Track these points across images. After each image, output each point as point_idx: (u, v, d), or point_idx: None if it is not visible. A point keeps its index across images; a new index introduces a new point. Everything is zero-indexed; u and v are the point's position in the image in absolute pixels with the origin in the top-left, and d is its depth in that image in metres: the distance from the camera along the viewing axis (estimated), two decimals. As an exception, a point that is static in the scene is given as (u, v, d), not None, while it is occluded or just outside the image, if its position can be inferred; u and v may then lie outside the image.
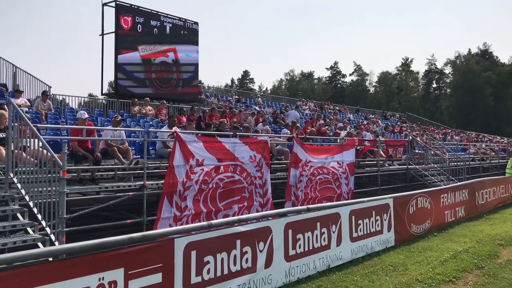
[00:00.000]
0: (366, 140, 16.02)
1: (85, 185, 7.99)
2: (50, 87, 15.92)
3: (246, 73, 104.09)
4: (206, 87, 34.71)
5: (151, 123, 14.28)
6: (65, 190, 5.86)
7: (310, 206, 6.03)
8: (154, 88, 20.27)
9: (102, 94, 19.19)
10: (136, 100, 16.36)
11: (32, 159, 6.18)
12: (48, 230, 5.90)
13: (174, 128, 9.79)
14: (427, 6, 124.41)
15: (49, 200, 5.83)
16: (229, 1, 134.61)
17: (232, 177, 10.16)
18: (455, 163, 18.15)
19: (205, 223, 5.56)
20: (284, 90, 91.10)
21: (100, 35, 19.51)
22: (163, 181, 8.77)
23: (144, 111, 15.84)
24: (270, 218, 6.49)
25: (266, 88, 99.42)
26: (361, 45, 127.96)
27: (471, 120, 72.21)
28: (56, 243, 5.79)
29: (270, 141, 11.83)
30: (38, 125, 7.93)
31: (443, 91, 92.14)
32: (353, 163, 14.25)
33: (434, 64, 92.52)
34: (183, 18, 21.90)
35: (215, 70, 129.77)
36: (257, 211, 10.69)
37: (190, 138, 9.32)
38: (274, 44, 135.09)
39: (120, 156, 8.60)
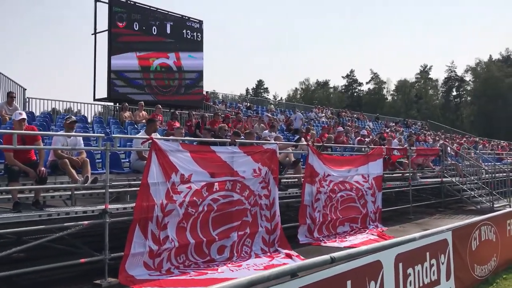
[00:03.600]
0: (394, 148, 13.62)
1: (21, 211, 5.79)
2: (25, 89, 13.91)
3: (260, 83, 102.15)
4: (218, 95, 32.59)
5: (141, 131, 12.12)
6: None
7: (335, 255, 3.71)
8: (153, 92, 18.22)
9: (94, 99, 17.13)
10: (127, 104, 14.23)
11: None
12: None
13: (153, 135, 7.56)
14: (445, 13, 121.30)
15: None
16: (243, 10, 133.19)
17: (230, 197, 7.90)
18: (492, 175, 15.54)
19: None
20: (299, 100, 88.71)
21: (92, 34, 17.55)
22: (133, 205, 6.54)
23: (136, 117, 13.73)
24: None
25: (281, 97, 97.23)
26: (378, 53, 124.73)
27: (494, 129, 68.79)
28: None
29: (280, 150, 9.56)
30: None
31: (463, 99, 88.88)
32: (381, 177, 11.89)
33: (454, 71, 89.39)
34: (186, 16, 19.88)
35: (229, 79, 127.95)
36: (263, 240, 8.43)
37: (172, 146, 7.09)
38: (288, 53, 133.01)
39: (73, 171, 6.40)
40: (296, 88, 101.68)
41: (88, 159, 6.79)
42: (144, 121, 13.70)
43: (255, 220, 8.33)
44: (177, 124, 11.93)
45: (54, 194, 6.68)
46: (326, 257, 3.65)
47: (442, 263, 5.19)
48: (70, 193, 6.86)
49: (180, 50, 19.30)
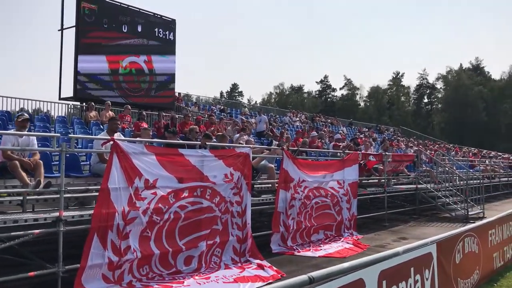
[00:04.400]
0: (371, 154, 13.32)
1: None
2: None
3: (235, 86, 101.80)
4: (191, 97, 31.86)
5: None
6: None
7: (314, 274, 3.26)
8: (122, 92, 17.53)
9: (60, 98, 16.31)
10: (93, 103, 13.53)
11: None
12: None
13: (116, 135, 6.97)
14: (418, 21, 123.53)
15: None
16: (217, 12, 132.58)
17: (199, 204, 7.36)
18: (465, 182, 15.40)
19: None
20: (273, 104, 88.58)
21: (59, 30, 16.76)
22: (92, 212, 5.95)
23: (103, 117, 13.03)
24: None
25: (256, 101, 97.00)
26: (351, 59, 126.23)
27: (464, 136, 70.07)
28: None
29: (253, 154, 9.10)
30: None
31: (434, 106, 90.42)
32: (357, 183, 11.55)
33: (426, 78, 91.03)
34: (158, 14, 19.28)
35: (203, 82, 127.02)
36: (234, 249, 7.92)
37: (136, 149, 6.51)
38: (263, 57, 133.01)
39: (24, 174, 5.77)
40: (270, 92, 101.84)
41: (41, 161, 6.16)
42: (119, 122, 13.06)
43: (225, 228, 7.82)
44: (144, 125, 11.33)
45: (2, 199, 6.01)
46: (304, 277, 3.20)
47: (427, 279, 4.80)
48: (22, 198, 6.20)
49: (151, 49, 18.70)
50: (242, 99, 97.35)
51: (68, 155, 6.65)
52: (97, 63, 16.73)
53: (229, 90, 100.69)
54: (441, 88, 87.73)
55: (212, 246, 7.54)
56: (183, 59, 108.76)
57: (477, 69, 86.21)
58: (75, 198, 6.59)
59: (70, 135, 6.61)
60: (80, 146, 8.76)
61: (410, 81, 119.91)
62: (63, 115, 14.58)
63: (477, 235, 6.37)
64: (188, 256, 7.15)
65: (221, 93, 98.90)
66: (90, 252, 5.90)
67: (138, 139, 7.52)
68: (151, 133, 8.35)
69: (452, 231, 5.73)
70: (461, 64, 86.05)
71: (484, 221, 7.51)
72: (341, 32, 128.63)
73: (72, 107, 16.65)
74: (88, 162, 7.85)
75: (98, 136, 7.61)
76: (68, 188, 6.04)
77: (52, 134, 6.33)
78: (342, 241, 10.12)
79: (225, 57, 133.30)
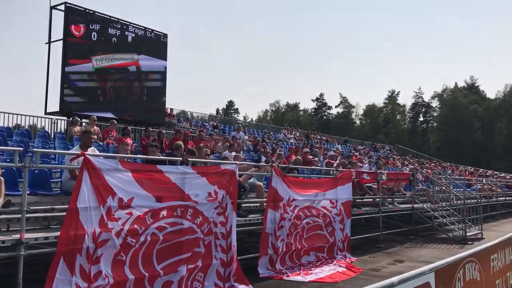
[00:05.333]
0: (364, 172, 12.85)
1: None
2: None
3: (230, 103, 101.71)
4: (187, 114, 31.50)
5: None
6: None
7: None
8: (111, 108, 17.05)
9: (46, 113, 15.82)
10: (77, 118, 13.05)
11: None
12: None
13: (90, 150, 6.48)
14: (413, 39, 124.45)
15: None
16: (215, 29, 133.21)
17: (180, 225, 6.83)
18: (462, 201, 14.90)
19: None
20: (269, 121, 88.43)
21: (46, 43, 16.35)
22: (58, 234, 5.42)
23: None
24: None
25: (252, 119, 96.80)
26: (347, 77, 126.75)
27: (460, 154, 69.83)
28: None
29: (240, 171, 8.63)
30: None
31: (430, 124, 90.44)
32: (350, 202, 11.05)
33: (421, 97, 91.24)
34: (149, 28, 18.94)
35: (200, 100, 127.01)
36: (218, 274, 7.37)
37: (109, 165, 6.01)
38: (259, 74, 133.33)
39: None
40: (266, 110, 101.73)
41: (2, 178, 5.66)
42: (95, 137, 12.56)
43: (208, 251, 7.28)
44: (129, 141, 10.83)
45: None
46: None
47: (424, 312, 4.29)
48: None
49: (142, 63, 18.28)
50: (238, 116, 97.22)
51: (37, 171, 6.15)
52: (84, 78, 16.30)
53: (225, 107, 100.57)
54: (436, 106, 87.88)
55: (194, 270, 6.99)
56: (180, 75, 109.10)
57: (472, 88, 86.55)
58: (43, 218, 6.07)
59: (34, 149, 6.10)
60: (56, 162, 8.27)
61: (406, 99, 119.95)
62: (47, 129, 14.11)
63: (479, 260, 5.88)
64: (167, 282, 6.58)
65: (217, 110, 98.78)
66: (55, 278, 5.35)
67: (111, 154, 7.02)
68: (129, 148, 7.85)
69: (451, 257, 5.23)
70: (456, 83, 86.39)
71: (486, 245, 7.02)
72: (336, 50, 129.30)
73: (55, 121, 16.16)
74: (55, 179, 7.32)
75: (68, 151, 7.10)
76: (32, 207, 5.50)
77: (13, 148, 5.81)
78: (335, 264, 9.57)
79: (221, 74, 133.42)
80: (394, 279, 4.03)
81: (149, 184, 6.48)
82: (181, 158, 7.70)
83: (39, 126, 15.63)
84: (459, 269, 5.29)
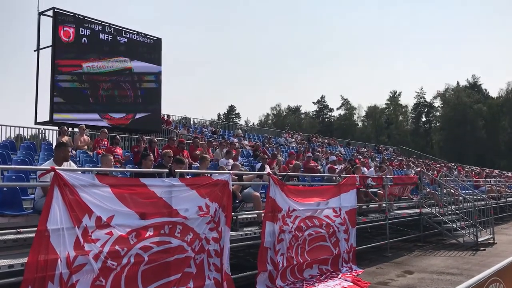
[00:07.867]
0: (369, 177, 12.18)
1: None
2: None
3: (232, 108, 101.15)
4: (189, 120, 30.86)
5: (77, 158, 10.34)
6: None
7: None
8: (103, 116, 16.44)
9: (36, 122, 15.24)
10: (65, 127, 12.43)
11: None
12: None
13: (65, 165, 5.84)
14: (413, 39, 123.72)
15: None
16: (215, 34, 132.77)
17: (167, 243, 6.19)
18: (472, 204, 14.22)
19: None
20: (270, 125, 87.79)
21: (35, 50, 15.78)
22: (25, 260, 4.79)
23: (77, 142, 11.92)
24: None
25: (253, 123, 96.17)
26: (348, 79, 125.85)
27: (463, 154, 68.93)
28: None
29: (235, 181, 7.98)
30: None
31: (433, 124, 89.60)
32: (355, 210, 10.40)
33: (423, 97, 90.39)
34: (142, 33, 18.37)
35: (202, 106, 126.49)
36: (211, 296, 6.72)
37: (84, 180, 5.38)
38: (260, 78, 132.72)
39: None
40: (267, 114, 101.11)
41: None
42: (85, 147, 11.95)
43: (201, 271, 6.64)
44: (118, 151, 10.19)
45: None
46: None
47: None
48: None
49: (135, 69, 17.70)
50: (239, 121, 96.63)
51: (5, 189, 5.53)
52: (74, 86, 15.71)
53: (226, 112, 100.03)
54: (439, 106, 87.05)
55: (184, 292, 6.35)
56: (179, 80, 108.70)
57: (474, 87, 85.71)
58: (13, 241, 5.43)
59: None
60: (34, 176, 7.64)
61: (408, 99, 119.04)
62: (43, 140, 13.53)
63: (503, 279, 5.20)
64: (154, 307, 5.95)
65: (219, 115, 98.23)
66: (23, 310, 4.73)
67: (88, 168, 6.37)
68: (112, 159, 7.21)
69: (471, 279, 4.53)
70: (458, 82, 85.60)
71: (509, 259, 6.33)
72: (336, 52, 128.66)
73: (43, 131, 15.57)
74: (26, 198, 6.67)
75: (37, 167, 6.46)
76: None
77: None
78: (340, 278, 8.90)
79: (221, 79, 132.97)
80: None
81: (131, 200, 5.85)
82: (167, 170, 7.03)
83: (27, 136, 15.05)
84: (482, 291, 4.63)
